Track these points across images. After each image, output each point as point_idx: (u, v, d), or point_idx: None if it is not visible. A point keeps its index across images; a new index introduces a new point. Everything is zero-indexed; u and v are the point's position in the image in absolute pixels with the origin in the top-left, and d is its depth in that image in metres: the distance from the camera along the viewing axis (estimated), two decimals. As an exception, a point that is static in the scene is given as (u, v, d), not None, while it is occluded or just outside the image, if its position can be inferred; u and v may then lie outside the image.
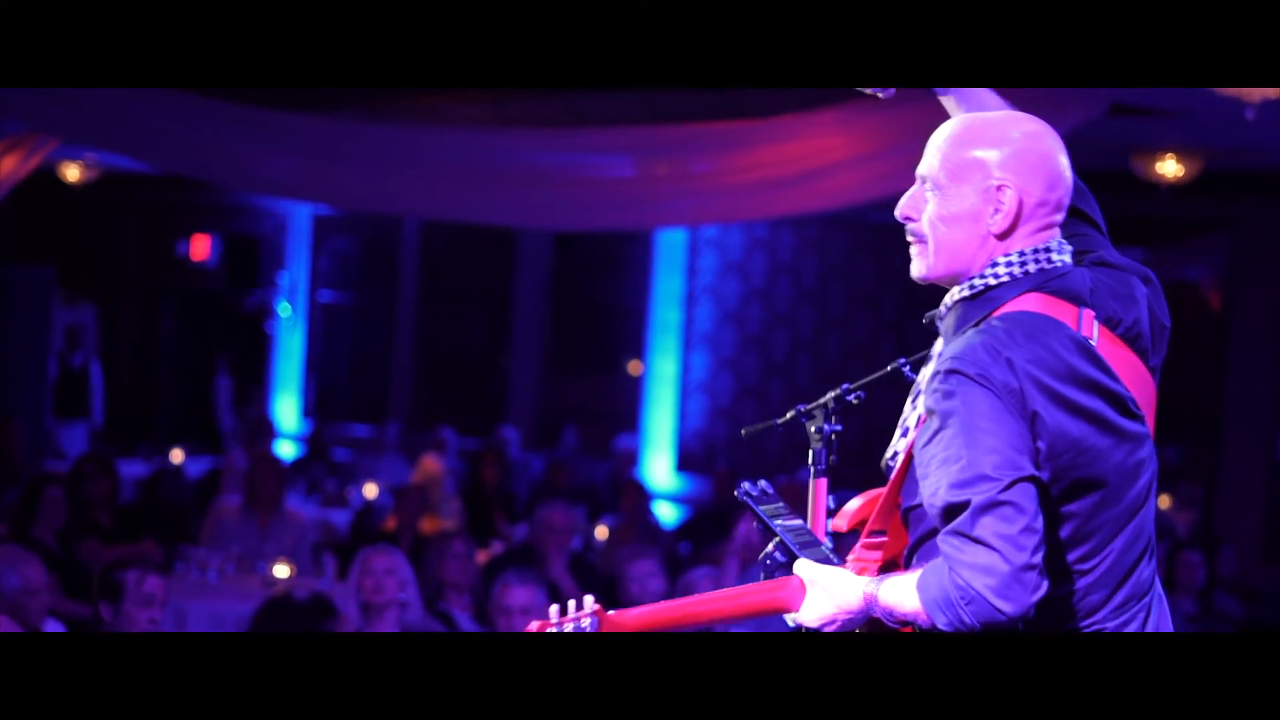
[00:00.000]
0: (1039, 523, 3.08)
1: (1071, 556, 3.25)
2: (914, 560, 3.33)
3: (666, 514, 14.11)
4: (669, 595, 7.04)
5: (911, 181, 3.45)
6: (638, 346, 16.04)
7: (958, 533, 3.09)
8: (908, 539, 3.37)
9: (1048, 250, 3.32)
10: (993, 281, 3.32)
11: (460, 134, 12.84)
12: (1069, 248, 3.37)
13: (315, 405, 18.23)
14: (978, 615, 3.05)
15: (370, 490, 12.66)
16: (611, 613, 3.33)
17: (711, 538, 11.26)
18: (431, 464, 12.44)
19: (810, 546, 3.44)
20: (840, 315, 14.89)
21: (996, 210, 3.31)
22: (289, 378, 18.27)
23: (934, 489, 3.15)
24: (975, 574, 3.05)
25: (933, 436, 3.18)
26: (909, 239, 3.45)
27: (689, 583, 7.66)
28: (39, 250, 16.62)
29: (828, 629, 3.32)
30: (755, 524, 3.49)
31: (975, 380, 3.14)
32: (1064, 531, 3.23)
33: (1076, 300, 3.30)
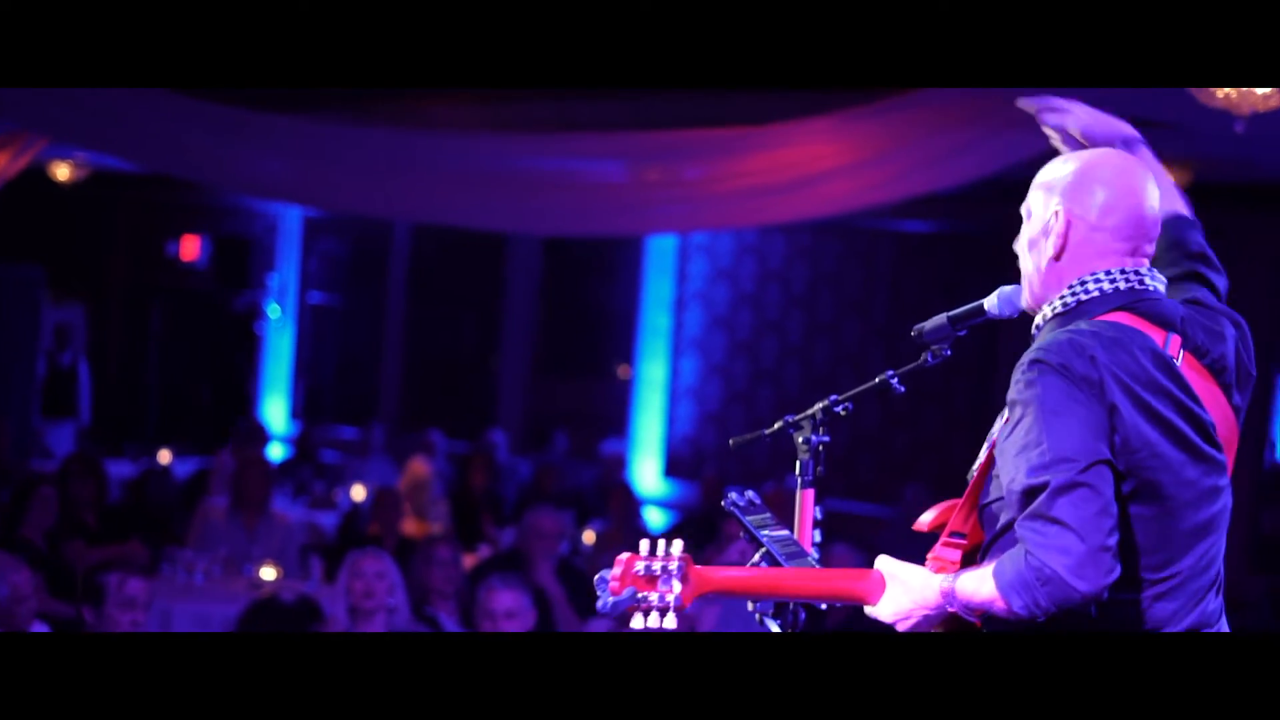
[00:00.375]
0: (1115, 508, 3.16)
1: (1142, 562, 3.30)
2: (988, 555, 3.37)
3: (654, 519, 14.11)
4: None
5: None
6: (627, 351, 16.03)
7: (1035, 515, 3.16)
8: (984, 537, 3.42)
9: (1138, 273, 3.42)
10: (1083, 297, 3.42)
11: (451, 138, 12.83)
12: (1162, 278, 3.47)
13: (304, 407, 18.21)
14: (1052, 596, 3.11)
15: (358, 493, 12.62)
16: (699, 567, 3.30)
17: (700, 543, 11.26)
18: (419, 467, 12.42)
19: (797, 557, 3.45)
20: (830, 322, 14.89)
21: (1047, 234, 3.45)
22: (278, 379, 18.25)
23: (1013, 475, 3.22)
24: (1052, 554, 3.11)
25: (1014, 427, 3.26)
26: None
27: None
28: (28, 249, 16.58)
29: (902, 625, 3.36)
30: (742, 534, 3.50)
31: (1055, 369, 3.23)
32: (1134, 534, 3.28)
33: (1165, 324, 3.39)
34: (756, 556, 3.45)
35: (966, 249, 14.09)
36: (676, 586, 3.25)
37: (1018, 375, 3.28)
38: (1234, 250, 13.97)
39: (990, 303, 3.71)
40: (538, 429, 16.52)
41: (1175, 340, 3.37)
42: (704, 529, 11.89)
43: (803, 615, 3.59)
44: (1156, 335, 3.35)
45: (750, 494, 3.56)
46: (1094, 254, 3.41)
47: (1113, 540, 3.13)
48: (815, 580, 3.46)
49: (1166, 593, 3.32)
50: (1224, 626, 3.50)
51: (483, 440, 14.60)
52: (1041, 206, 3.47)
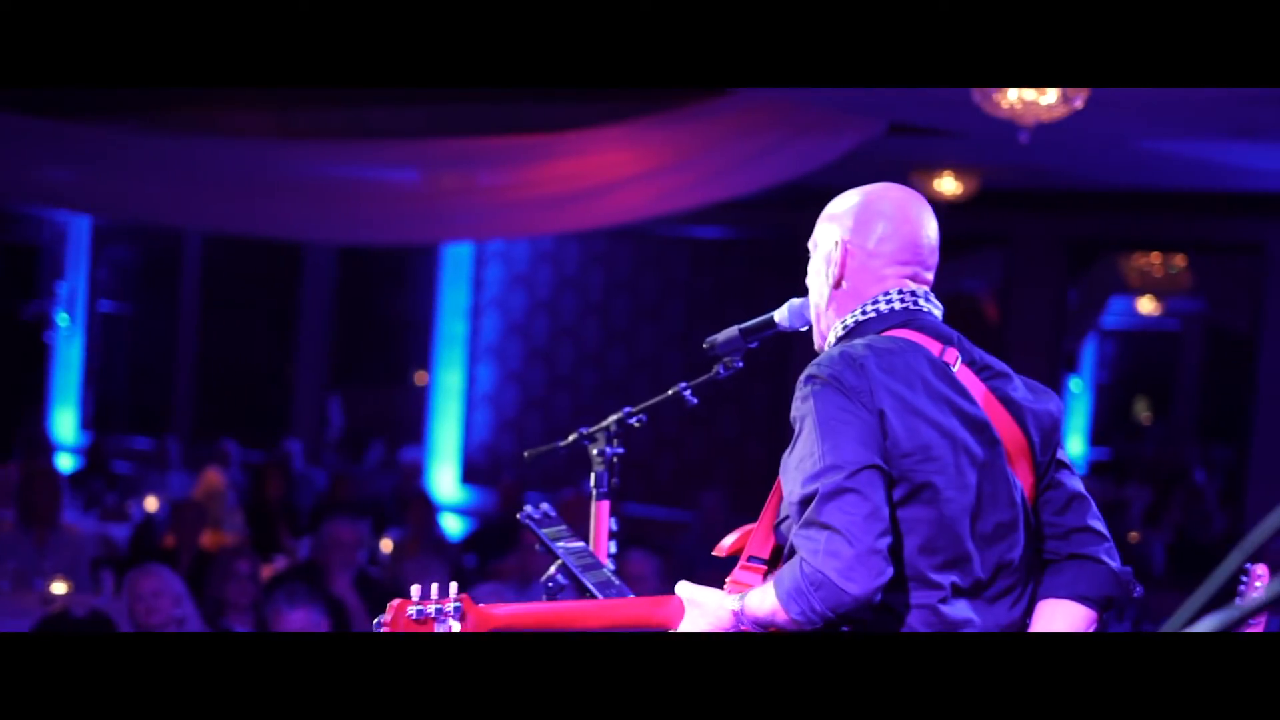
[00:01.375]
0: (885, 511, 3.21)
1: (926, 563, 3.34)
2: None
3: (452, 526, 14.08)
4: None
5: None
6: (424, 359, 15.98)
7: (807, 522, 3.21)
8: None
9: (914, 294, 3.52)
10: (860, 317, 3.50)
11: (243, 146, 12.71)
12: (939, 304, 3.56)
13: (94, 417, 17.91)
14: (826, 600, 3.15)
15: (151, 504, 12.46)
16: (480, 605, 3.29)
17: (497, 551, 11.27)
18: (213, 477, 12.30)
19: (592, 569, 3.48)
20: (625, 328, 14.96)
21: (829, 263, 3.55)
22: (68, 389, 17.94)
23: (791, 489, 3.29)
24: (823, 559, 3.16)
25: (794, 443, 3.33)
26: None
27: (475, 598, 7.64)
28: None
29: None
30: (538, 546, 3.53)
31: (827, 382, 3.30)
32: (913, 537, 3.33)
33: (942, 338, 3.47)
34: (552, 569, 3.48)
35: (760, 254, 14.23)
36: (455, 626, 3.22)
37: (796, 391, 3.36)
38: (1020, 255, 14.31)
39: (780, 315, 3.78)
40: (335, 438, 16.41)
41: (951, 351, 3.44)
42: (502, 535, 11.91)
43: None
44: (933, 346, 3.43)
45: (545, 506, 3.59)
46: (872, 280, 3.51)
47: (882, 544, 3.18)
48: (612, 610, 3.49)
49: (950, 597, 3.35)
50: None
51: (278, 450, 14.48)
52: (825, 238, 3.57)
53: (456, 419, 15.58)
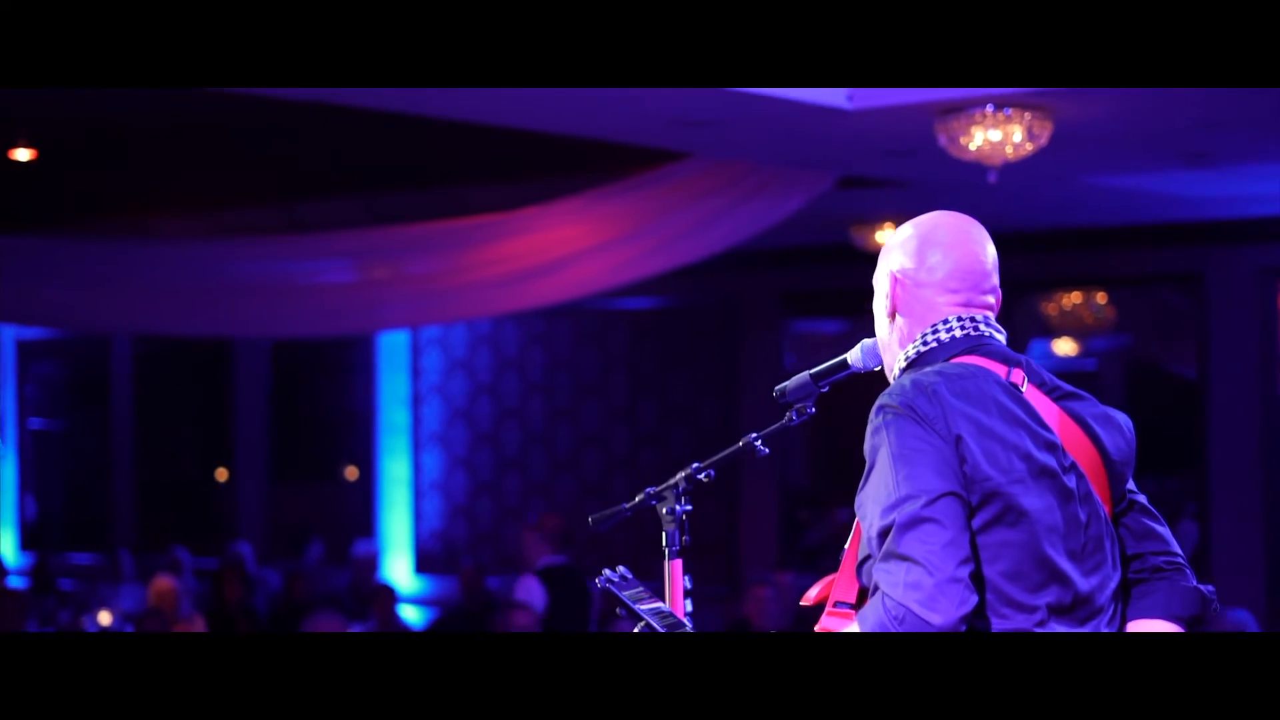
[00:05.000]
0: (964, 538, 3.18)
1: (1015, 587, 3.29)
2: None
3: (411, 616, 13.95)
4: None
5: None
6: (367, 450, 15.85)
7: (886, 554, 3.17)
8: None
9: (974, 320, 3.50)
10: (923, 349, 3.49)
11: (171, 246, 12.65)
12: (1001, 329, 3.54)
13: (33, 536, 17.67)
14: (910, 633, 3.11)
15: (104, 618, 12.29)
16: None
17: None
18: (163, 583, 12.12)
19: (676, 628, 3.43)
20: (569, 405, 14.92)
21: (888, 295, 3.56)
22: (4, 510, 17.70)
23: (870, 523, 3.24)
24: (904, 591, 3.12)
25: (867, 477, 3.29)
26: None
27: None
28: None
29: None
30: (619, 609, 3.48)
31: (900, 411, 3.28)
32: (999, 563, 3.28)
33: (1008, 361, 3.44)
34: (636, 629, 3.43)
35: (699, 321, 14.24)
36: None
37: (869, 423, 3.33)
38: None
39: (854, 356, 3.74)
40: (282, 537, 16.25)
41: (1018, 372, 3.42)
42: (467, 622, 11.80)
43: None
44: (1000, 370, 3.41)
45: (622, 569, 3.55)
46: (928, 309, 3.50)
47: (964, 571, 3.14)
48: None
49: (1047, 619, 3.31)
50: None
51: (229, 553, 14.32)
52: (880, 272, 3.58)
53: (406, 508, 15.47)
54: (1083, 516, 3.38)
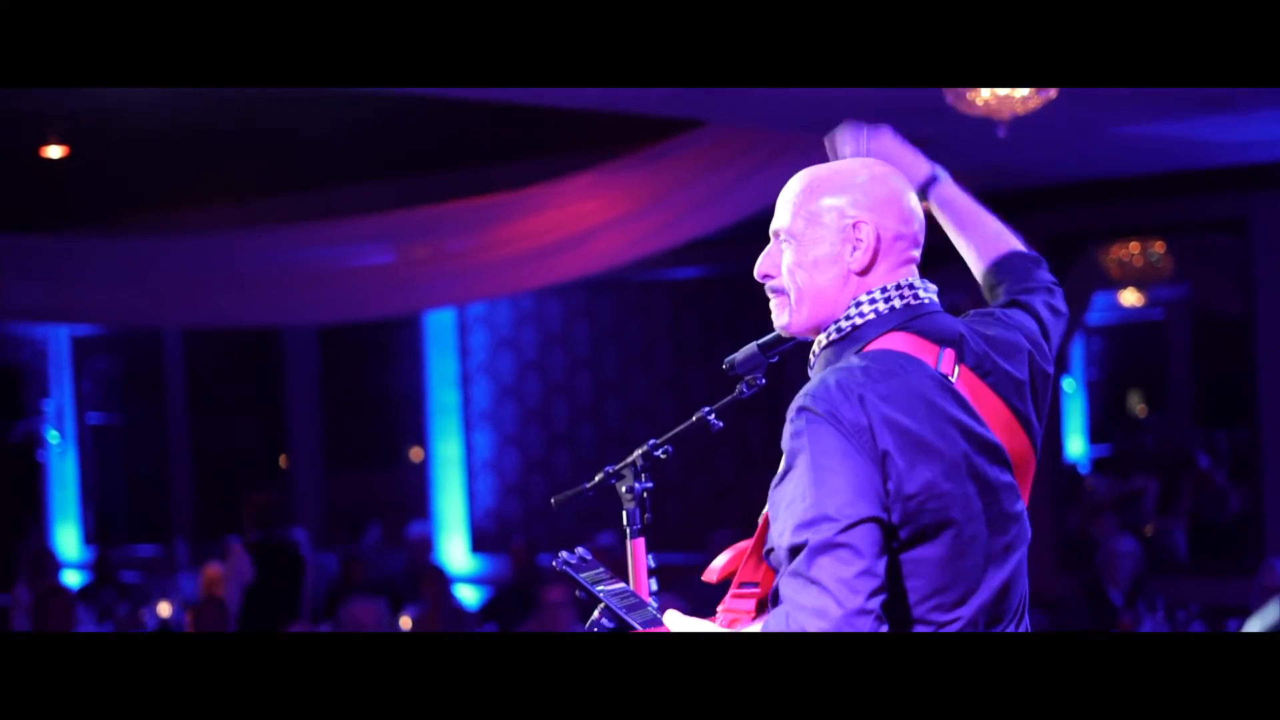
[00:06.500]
0: (879, 567, 3.02)
1: (927, 606, 3.17)
2: (774, 604, 3.23)
3: (468, 596, 13.97)
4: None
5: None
6: (418, 432, 15.88)
7: (796, 573, 3.02)
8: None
9: (911, 286, 3.32)
10: (858, 321, 3.30)
11: (208, 238, 12.68)
12: (933, 286, 3.37)
13: (96, 530, 17.79)
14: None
15: (164, 609, 12.36)
16: None
17: (516, 616, 11.17)
18: (215, 572, 12.15)
19: (637, 609, 3.35)
20: (616, 379, 14.88)
21: (855, 247, 3.30)
22: (66, 505, 17.83)
23: (780, 530, 3.09)
24: (809, 617, 2.98)
25: (783, 477, 3.13)
26: (770, 296, 3.45)
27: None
28: None
29: None
30: (578, 592, 3.39)
31: (823, 418, 3.09)
32: (919, 579, 3.15)
33: (939, 340, 3.27)
34: (596, 613, 3.35)
35: (743, 289, 14.14)
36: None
37: (788, 420, 3.15)
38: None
39: None
40: (338, 522, 16.30)
41: (949, 355, 3.24)
42: (519, 600, 11.80)
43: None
44: (929, 354, 3.23)
45: (581, 550, 3.45)
46: (896, 264, 3.32)
47: (874, 603, 2.98)
48: None
49: (961, 630, 3.18)
50: None
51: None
52: (831, 212, 3.31)
53: (459, 489, 15.48)
54: (1007, 517, 3.24)
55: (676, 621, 3.27)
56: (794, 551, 3.03)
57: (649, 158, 9.99)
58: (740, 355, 3.68)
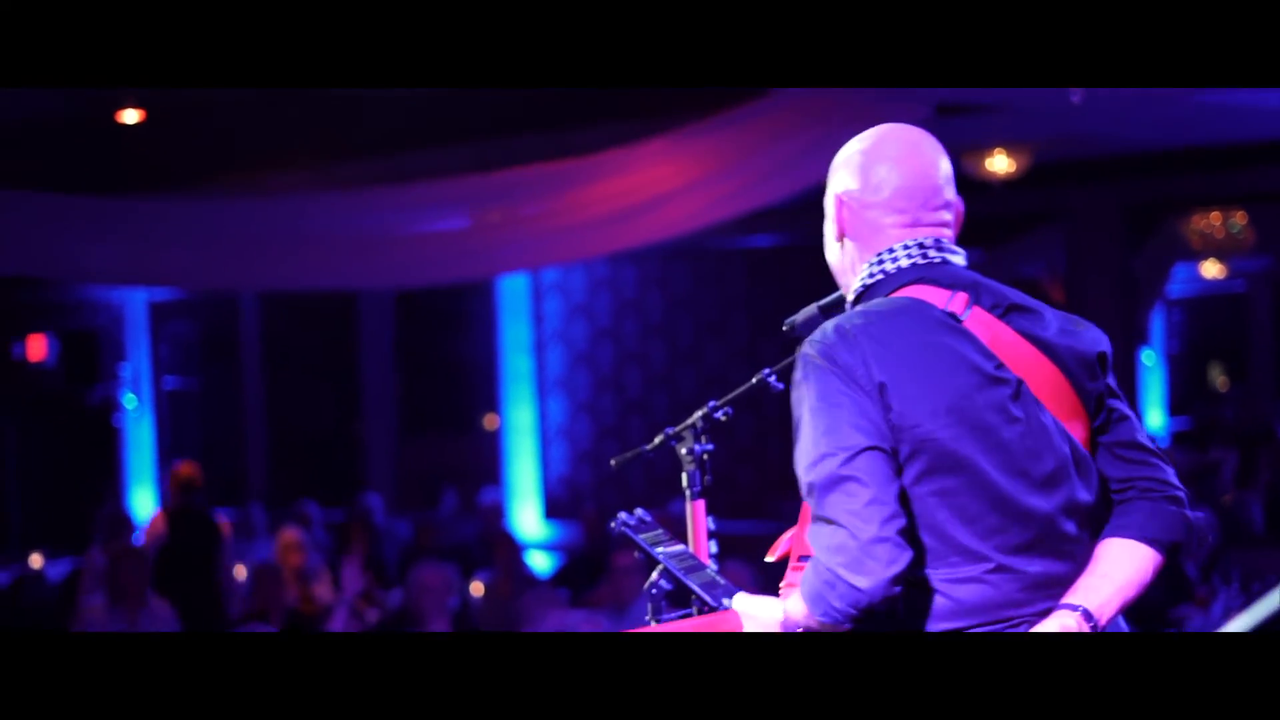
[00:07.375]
0: (888, 494, 3.00)
1: (966, 535, 3.12)
2: None
3: (539, 563, 13.98)
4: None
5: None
6: (491, 399, 15.91)
7: (814, 518, 3.03)
8: None
9: (921, 245, 3.29)
10: (869, 280, 3.32)
11: (286, 202, 12.70)
12: (956, 249, 3.33)
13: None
14: (843, 599, 2.97)
15: (240, 572, 12.43)
16: None
17: (588, 581, 11.16)
18: (288, 536, 12.19)
19: (695, 570, 3.34)
20: (690, 347, 14.86)
21: (836, 221, 3.39)
22: (142, 469, 17.95)
23: (800, 481, 3.10)
24: (831, 555, 2.98)
25: (797, 429, 3.14)
26: None
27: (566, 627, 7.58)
28: None
29: None
30: (637, 554, 3.39)
31: (819, 361, 3.12)
32: (946, 510, 3.11)
33: (952, 285, 3.24)
34: (655, 574, 3.34)
35: (818, 258, 14.07)
36: None
37: (794, 376, 3.18)
38: (1080, 227, 14.13)
39: None
40: (412, 487, 16.35)
41: (960, 297, 3.21)
42: (591, 566, 11.80)
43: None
44: (939, 297, 3.21)
45: (640, 512, 3.46)
46: (873, 231, 3.32)
47: (890, 529, 2.97)
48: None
49: (1002, 564, 3.13)
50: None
51: (358, 505, 14.40)
52: (828, 195, 3.41)
53: (532, 456, 15.51)
54: (1035, 441, 3.16)
55: (741, 603, 3.28)
56: (809, 496, 3.06)
57: (721, 123, 9.93)
58: (800, 316, 3.67)
